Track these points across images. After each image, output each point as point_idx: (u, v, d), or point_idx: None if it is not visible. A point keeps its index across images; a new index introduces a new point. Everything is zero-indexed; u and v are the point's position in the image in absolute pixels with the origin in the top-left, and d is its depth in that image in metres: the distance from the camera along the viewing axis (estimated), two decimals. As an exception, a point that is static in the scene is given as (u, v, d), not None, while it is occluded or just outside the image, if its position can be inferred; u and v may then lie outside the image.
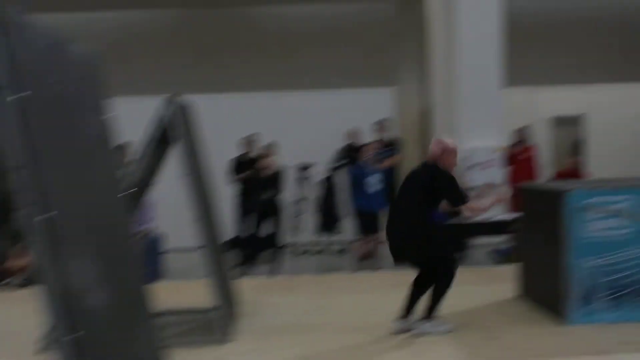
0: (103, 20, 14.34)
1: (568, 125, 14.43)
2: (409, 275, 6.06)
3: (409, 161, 11.76)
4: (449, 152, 5.88)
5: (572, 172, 11.42)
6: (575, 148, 13.91)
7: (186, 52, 14.03)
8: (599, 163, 13.73)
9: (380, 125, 11.61)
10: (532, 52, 14.10)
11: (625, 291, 5.89)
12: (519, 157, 11.83)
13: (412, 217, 5.71)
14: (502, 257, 9.92)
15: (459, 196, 5.68)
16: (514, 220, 8.14)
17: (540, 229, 6.42)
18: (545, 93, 14.25)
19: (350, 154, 11.26)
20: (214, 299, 5.98)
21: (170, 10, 14.33)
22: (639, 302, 5.92)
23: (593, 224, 5.87)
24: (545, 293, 6.34)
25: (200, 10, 14.25)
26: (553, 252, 6.06)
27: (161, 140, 6.06)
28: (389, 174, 11.40)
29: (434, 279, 5.78)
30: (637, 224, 5.81)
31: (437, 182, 5.71)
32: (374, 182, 9.95)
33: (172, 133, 5.93)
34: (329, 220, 11.73)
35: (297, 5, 14.22)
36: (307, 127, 12.42)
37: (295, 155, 11.92)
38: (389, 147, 11.46)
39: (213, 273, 5.89)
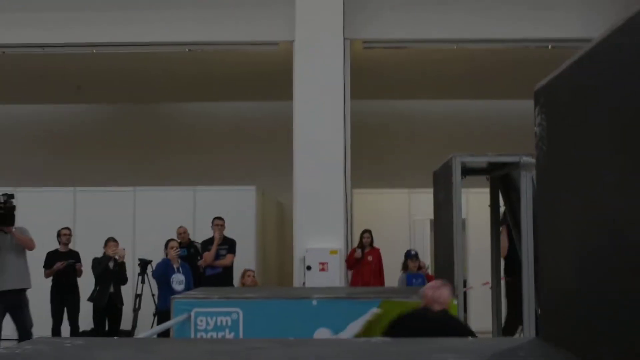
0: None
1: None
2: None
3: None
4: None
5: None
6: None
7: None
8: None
9: (218, 222, 11.51)
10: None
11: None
12: (364, 260, 11.57)
13: None
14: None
15: None
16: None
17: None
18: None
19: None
20: None
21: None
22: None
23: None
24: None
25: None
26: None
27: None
28: (224, 273, 11.29)
29: None
30: None
31: None
32: (179, 281, 9.85)
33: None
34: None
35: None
36: (163, 221, 12.40)
37: (148, 251, 11.88)
38: (225, 246, 11.36)
39: None
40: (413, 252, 11.59)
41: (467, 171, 6.58)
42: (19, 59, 12.85)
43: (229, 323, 5.64)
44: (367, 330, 5.59)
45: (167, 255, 9.94)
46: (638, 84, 2.08)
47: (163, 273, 9.68)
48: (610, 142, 2.34)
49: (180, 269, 9.83)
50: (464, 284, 13.30)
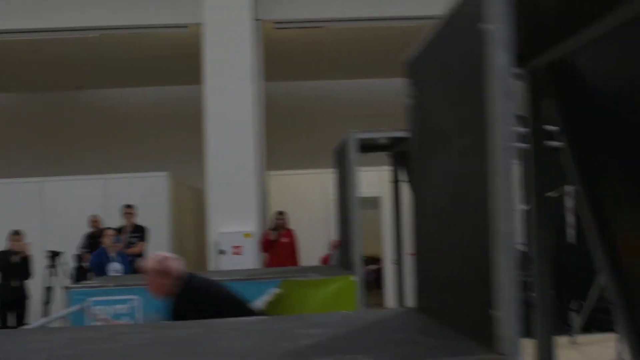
0: None
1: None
2: None
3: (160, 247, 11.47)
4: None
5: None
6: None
7: None
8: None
9: (128, 210, 11.31)
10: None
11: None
12: (279, 242, 11.53)
13: None
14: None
15: None
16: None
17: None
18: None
19: (92, 241, 10.97)
20: None
21: None
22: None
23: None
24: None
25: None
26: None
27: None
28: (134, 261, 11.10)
29: None
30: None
31: None
32: (115, 269, 9.65)
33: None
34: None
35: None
36: (73, 212, 12.10)
37: (57, 242, 11.58)
38: (136, 234, 11.16)
39: None
40: None
41: (368, 148, 6.61)
42: None
43: (126, 311, 5.53)
44: (269, 311, 5.57)
45: (102, 244, 9.74)
46: (475, 53, 2.09)
47: (99, 262, 9.45)
48: (458, 112, 2.36)
49: (118, 257, 9.63)
50: (378, 261, 13.46)
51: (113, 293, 5.62)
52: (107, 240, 9.69)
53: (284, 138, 14.15)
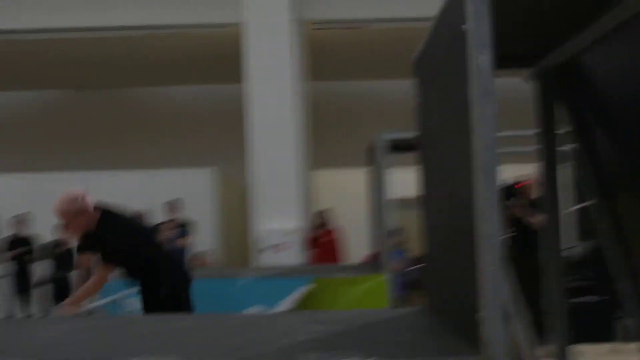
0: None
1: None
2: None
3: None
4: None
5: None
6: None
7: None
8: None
9: (172, 205, 11.49)
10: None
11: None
12: (320, 240, 11.59)
13: None
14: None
15: None
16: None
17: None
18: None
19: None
20: None
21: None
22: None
23: None
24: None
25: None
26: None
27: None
28: (181, 254, 11.28)
29: None
30: None
31: None
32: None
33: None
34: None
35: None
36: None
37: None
38: (181, 228, 11.34)
39: None
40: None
41: (400, 148, 6.56)
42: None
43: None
44: (302, 307, 5.58)
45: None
46: (458, 53, 2.07)
47: None
48: (447, 113, 2.34)
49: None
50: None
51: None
52: (166, 234, 9.94)
53: (332, 136, 14.14)
